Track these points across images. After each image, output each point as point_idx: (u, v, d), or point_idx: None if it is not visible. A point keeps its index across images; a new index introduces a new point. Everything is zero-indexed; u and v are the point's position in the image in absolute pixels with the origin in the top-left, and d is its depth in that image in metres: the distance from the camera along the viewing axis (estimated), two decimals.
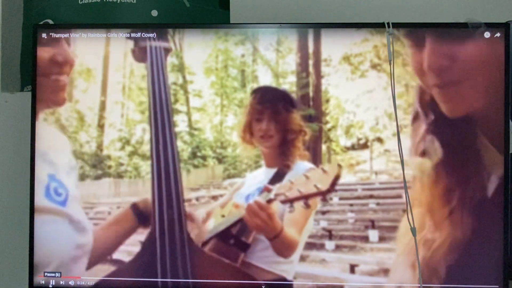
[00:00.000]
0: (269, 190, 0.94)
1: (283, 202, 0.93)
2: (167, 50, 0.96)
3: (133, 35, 0.97)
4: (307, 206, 0.93)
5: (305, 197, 0.93)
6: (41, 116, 0.97)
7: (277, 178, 0.95)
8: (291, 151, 0.95)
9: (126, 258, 0.96)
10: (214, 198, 0.96)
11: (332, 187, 0.93)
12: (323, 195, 0.93)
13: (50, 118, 0.97)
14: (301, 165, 0.95)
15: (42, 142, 0.97)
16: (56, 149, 0.97)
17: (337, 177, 0.93)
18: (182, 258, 0.95)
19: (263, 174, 0.95)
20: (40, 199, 0.96)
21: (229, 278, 0.94)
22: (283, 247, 0.94)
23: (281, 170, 0.95)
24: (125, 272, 0.96)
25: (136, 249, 0.96)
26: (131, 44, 0.97)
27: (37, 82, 0.97)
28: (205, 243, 0.95)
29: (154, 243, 0.95)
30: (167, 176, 0.96)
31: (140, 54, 0.97)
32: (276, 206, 0.94)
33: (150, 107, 0.96)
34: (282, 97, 0.95)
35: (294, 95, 0.95)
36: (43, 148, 0.97)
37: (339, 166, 0.94)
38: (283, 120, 0.95)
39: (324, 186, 0.92)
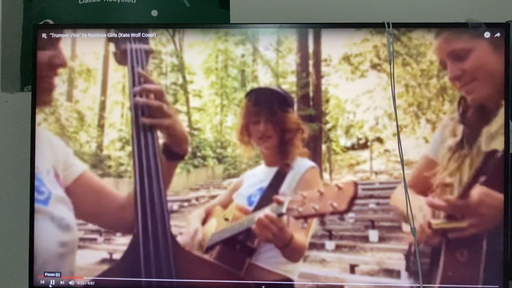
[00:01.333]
0: (279, 203, 0.93)
1: (297, 218, 0.93)
2: (148, 52, 0.96)
3: (133, 35, 0.97)
4: (323, 224, 0.93)
5: (321, 215, 0.92)
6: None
7: (278, 177, 0.95)
8: (290, 150, 0.95)
9: (118, 257, 0.96)
10: (214, 198, 0.96)
11: (349, 207, 0.92)
12: (341, 214, 0.92)
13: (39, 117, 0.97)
14: (302, 163, 0.94)
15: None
16: (40, 149, 0.97)
17: (354, 197, 0.92)
18: (166, 258, 0.95)
19: (263, 173, 0.95)
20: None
21: (217, 278, 0.94)
22: (293, 254, 0.94)
23: (282, 169, 0.95)
24: (113, 272, 0.96)
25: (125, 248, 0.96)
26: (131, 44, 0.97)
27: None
28: (209, 249, 0.95)
29: (138, 244, 0.95)
30: (149, 176, 0.96)
31: (121, 57, 0.97)
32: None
33: (131, 107, 0.96)
34: (277, 97, 0.95)
35: (290, 94, 0.95)
36: None
37: (355, 184, 0.93)
38: (279, 120, 0.95)
39: (341, 206, 0.91)
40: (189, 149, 0.96)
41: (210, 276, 0.94)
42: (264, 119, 0.95)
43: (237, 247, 0.94)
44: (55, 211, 0.96)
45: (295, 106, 0.95)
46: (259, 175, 0.95)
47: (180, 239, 0.95)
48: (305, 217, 0.92)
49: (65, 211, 0.96)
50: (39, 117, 0.97)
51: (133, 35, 0.96)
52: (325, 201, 0.92)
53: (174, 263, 0.95)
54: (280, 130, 0.95)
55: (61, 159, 0.97)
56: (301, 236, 0.93)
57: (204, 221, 0.96)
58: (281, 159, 0.95)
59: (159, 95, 0.96)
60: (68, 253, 0.97)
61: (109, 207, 0.96)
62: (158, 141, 0.96)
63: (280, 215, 0.93)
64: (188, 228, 0.95)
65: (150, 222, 0.95)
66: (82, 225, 0.97)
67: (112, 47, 0.97)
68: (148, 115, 0.96)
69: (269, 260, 0.94)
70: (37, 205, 0.96)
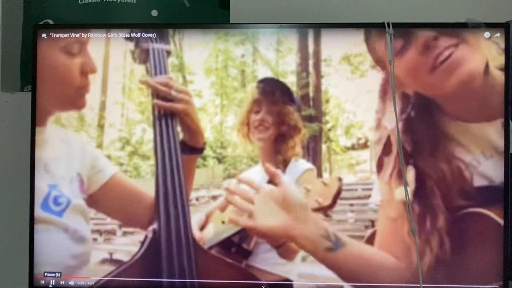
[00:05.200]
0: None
1: None
2: (169, 52, 0.96)
3: (133, 35, 0.97)
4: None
5: None
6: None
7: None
8: (285, 148, 0.94)
9: (126, 258, 0.96)
10: (214, 198, 0.96)
11: (334, 202, 0.93)
12: (325, 210, 0.93)
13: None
14: (299, 165, 0.94)
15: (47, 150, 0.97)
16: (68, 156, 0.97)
17: (338, 192, 0.93)
18: (188, 258, 0.95)
19: (260, 174, 0.95)
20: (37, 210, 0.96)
21: (230, 278, 0.94)
22: (288, 253, 0.94)
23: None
24: (127, 272, 0.96)
25: (136, 248, 0.96)
26: (131, 44, 0.97)
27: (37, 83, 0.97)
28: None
29: (159, 242, 0.95)
30: (172, 175, 0.96)
31: (141, 54, 0.97)
32: None
33: (153, 108, 0.96)
34: (282, 90, 0.95)
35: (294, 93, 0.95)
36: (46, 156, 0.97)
37: (340, 179, 0.93)
38: (280, 112, 0.94)
39: (325, 201, 0.92)
40: (205, 144, 0.96)
41: (214, 272, 0.95)
42: (265, 108, 0.94)
43: (233, 249, 0.95)
44: (70, 223, 0.96)
45: (297, 107, 0.95)
46: (256, 177, 0.95)
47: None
48: None
49: (80, 223, 0.96)
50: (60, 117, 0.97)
51: (151, 35, 0.96)
52: (311, 197, 0.92)
53: (195, 263, 0.95)
54: (279, 124, 0.94)
55: (88, 164, 0.96)
56: None
57: (203, 226, 0.95)
58: (276, 160, 0.95)
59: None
60: (80, 265, 0.96)
61: (140, 207, 0.96)
62: (178, 137, 0.96)
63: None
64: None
65: (172, 221, 0.95)
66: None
67: (130, 46, 0.97)
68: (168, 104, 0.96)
69: (268, 261, 0.94)
70: (50, 216, 0.96)
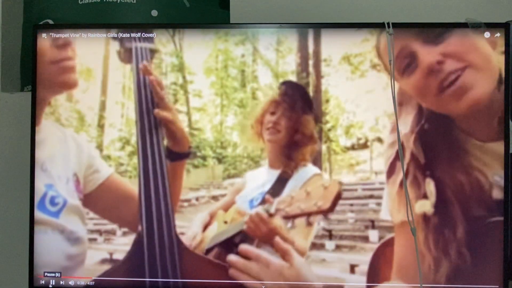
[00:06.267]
0: (270, 202, 0.93)
1: (285, 218, 0.93)
2: (153, 51, 0.96)
3: (133, 35, 0.97)
4: (309, 223, 0.93)
5: (306, 215, 0.92)
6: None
7: (280, 182, 0.94)
8: (295, 155, 0.94)
9: (120, 257, 0.96)
10: (214, 198, 0.96)
11: (333, 206, 0.92)
12: (324, 214, 0.92)
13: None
14: (306, 170, 0.94)
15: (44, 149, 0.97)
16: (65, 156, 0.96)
17: (338, 196, 0.92)
18: (172, 260, 0.95)
19: (266, 175, 0.95)
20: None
21: (221, 278, 0.94)
22: (289, 257, 0.94)
23: (284, 174, 0.95)
24: (117, 272, 0.96)
25: (128, 248, 0.96)
26: (129, 44, 0.97)
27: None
28: (208, 251, 0.95)
29: (142, 243, 0.95)
30: (154, 176, 0.95)
31: (126, 55, 0.97)
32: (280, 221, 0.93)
33: (136, 107, 0.96)
34: (303, 97, 0.95)
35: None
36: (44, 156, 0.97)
37: (340, 183, 0.93)
38: (296, 120, 0.94)
39: (325, 205, 0.92)
40: (190, 148, 0.96)
41: (213, 276, 0.95)
42: (281, 111, 0.94)
43: (234, 250, 0.94)
44: (67, 224, 0.96)
45: (315, 116, 0.94)
46: (261, 178, 0.95)
47: (183, 239, 0.95)
48: (292, 217, 0.93)
49: (77, 223, 0.96)
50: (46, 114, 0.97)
51: (135, 34, 0.96)
52: (310, 201, 0.92)
53: (179, 263, 0.95)
54: (293, 130, 0.94)
55: (85, 164, 0.96)
56: (300, 240, 0.93)
57: (207, 225, 0.95)
58: (284, 163, 0.94)
59: (162, 87, 0.96)
60: (75, 266, 0.96)
61: (134, 207, 0.96)
62: (163, 139, 0.96)
63: (270, 215, 0.93)
64: (189, 230, 0.95)
65: (155, 223, 0.95)
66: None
67: (115, 46, 0.96)
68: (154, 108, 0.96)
69: None
70: (47, 217, 0.95)
